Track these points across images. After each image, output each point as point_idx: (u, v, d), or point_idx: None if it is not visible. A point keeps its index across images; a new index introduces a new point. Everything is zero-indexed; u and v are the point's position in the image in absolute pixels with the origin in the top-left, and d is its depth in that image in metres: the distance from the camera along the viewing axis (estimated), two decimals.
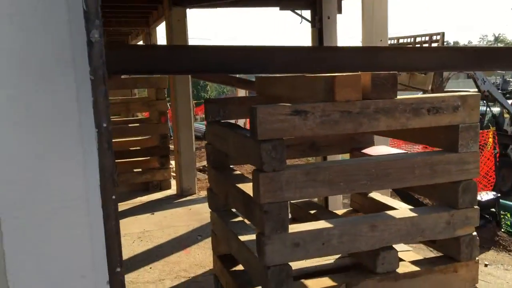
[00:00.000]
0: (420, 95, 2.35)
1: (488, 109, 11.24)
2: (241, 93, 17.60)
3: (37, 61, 0.79)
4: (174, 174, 6.70)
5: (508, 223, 5.56)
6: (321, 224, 2.15)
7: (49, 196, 0.78)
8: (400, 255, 2.52)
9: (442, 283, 2.28)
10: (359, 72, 2.13)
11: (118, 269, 0.91)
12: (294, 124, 2.00)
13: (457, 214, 2.27)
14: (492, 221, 5.18)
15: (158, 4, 6.58)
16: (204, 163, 9.10)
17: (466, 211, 2.28)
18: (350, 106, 2.07)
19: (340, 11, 4.60)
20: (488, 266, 4.20)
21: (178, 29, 5.90)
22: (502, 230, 5.21)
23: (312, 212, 2.92)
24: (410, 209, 2.38)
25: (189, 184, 6.24)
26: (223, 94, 34.26)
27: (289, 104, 2.01)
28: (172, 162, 6.92)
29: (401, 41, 12.60)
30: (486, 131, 5.97)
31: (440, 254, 2.45)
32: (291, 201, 3.20)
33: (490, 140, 5.60)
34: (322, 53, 3.27)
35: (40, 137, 0.79)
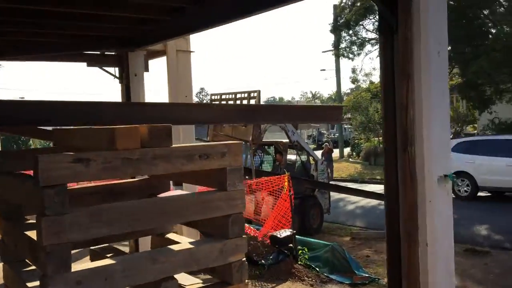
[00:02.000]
0: (195, 143, 2.78)
1: (297, 156, 12.69)
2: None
3: None
4: None
5: (306, 256, 6.37)
6: (106, 261, 2.35)
7: None
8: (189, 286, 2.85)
9: None
10: (138, 125, 2.46)
11: None
12: (76, 171, 2.21)
13: (228, 243, 2.68)
14: (290, 255, 5.90)
15: None
16: None
17: (236, 240, 2.71)
18: (130, 154, 2.36)
19: (147, 70, 5.00)
20: None
21: None
22: (299, 263, 5.95)
23: (108, 255, 3.09)
24: (190, 242, 2.73)
25: None
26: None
27: (71, 153, 2.23)
28: None
29: (223, 97, 13.73)
30: (282, 176, 6.83)
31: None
32: (91, 248, 3.34)
33: (286, 183, 6.43)
34: (123, 107, 3.52)
35: None
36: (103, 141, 2.41)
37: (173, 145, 2.55)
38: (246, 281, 2.77)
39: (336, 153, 30.00)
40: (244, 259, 2.76)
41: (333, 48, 29.75)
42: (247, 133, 12.53)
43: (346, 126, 44.82)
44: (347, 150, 33.21)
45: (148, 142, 2.43)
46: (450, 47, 23.71)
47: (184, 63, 4.96)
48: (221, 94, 13.84)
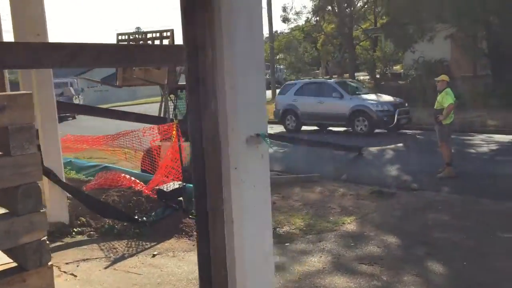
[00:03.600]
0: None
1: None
2: None
3: None
4: None
5: None
6: None
7: None
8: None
9: None
10: None
11: None
12: None
13: (18, 221, 2.13)
14: (179, 209, 5.46)
15: None
16: None
17: (30, 216, 2.17)
18: None
19: None
20: (156, 256, 4.36)
21: None
22: (190, 216, 5.50)
23: None
24: None
25: None
26: None
27: None
28: None
29: (131, 37, 12.68)
30: (171, 124, 6.28)
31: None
32: None
33: (174, 132, 5.90)
34: None
35: None
36: None
37: None
38: (50, 263, 2.26)
39: (268, 94, 29.68)
40: (45, 238, 2.24)
41: None
42: (162, 77, 11.75)
43: (279, 66, 44.45)
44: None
45: None
46: None
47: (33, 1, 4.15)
48: (129, 34, 12.78)
